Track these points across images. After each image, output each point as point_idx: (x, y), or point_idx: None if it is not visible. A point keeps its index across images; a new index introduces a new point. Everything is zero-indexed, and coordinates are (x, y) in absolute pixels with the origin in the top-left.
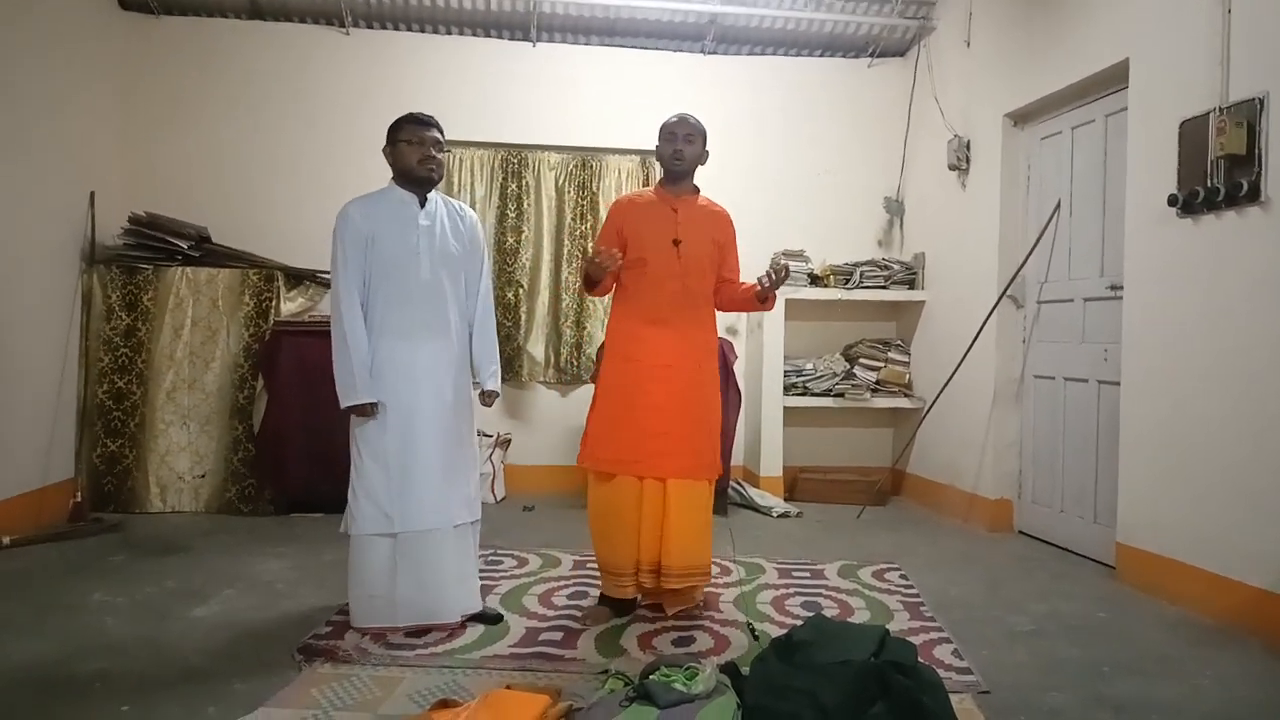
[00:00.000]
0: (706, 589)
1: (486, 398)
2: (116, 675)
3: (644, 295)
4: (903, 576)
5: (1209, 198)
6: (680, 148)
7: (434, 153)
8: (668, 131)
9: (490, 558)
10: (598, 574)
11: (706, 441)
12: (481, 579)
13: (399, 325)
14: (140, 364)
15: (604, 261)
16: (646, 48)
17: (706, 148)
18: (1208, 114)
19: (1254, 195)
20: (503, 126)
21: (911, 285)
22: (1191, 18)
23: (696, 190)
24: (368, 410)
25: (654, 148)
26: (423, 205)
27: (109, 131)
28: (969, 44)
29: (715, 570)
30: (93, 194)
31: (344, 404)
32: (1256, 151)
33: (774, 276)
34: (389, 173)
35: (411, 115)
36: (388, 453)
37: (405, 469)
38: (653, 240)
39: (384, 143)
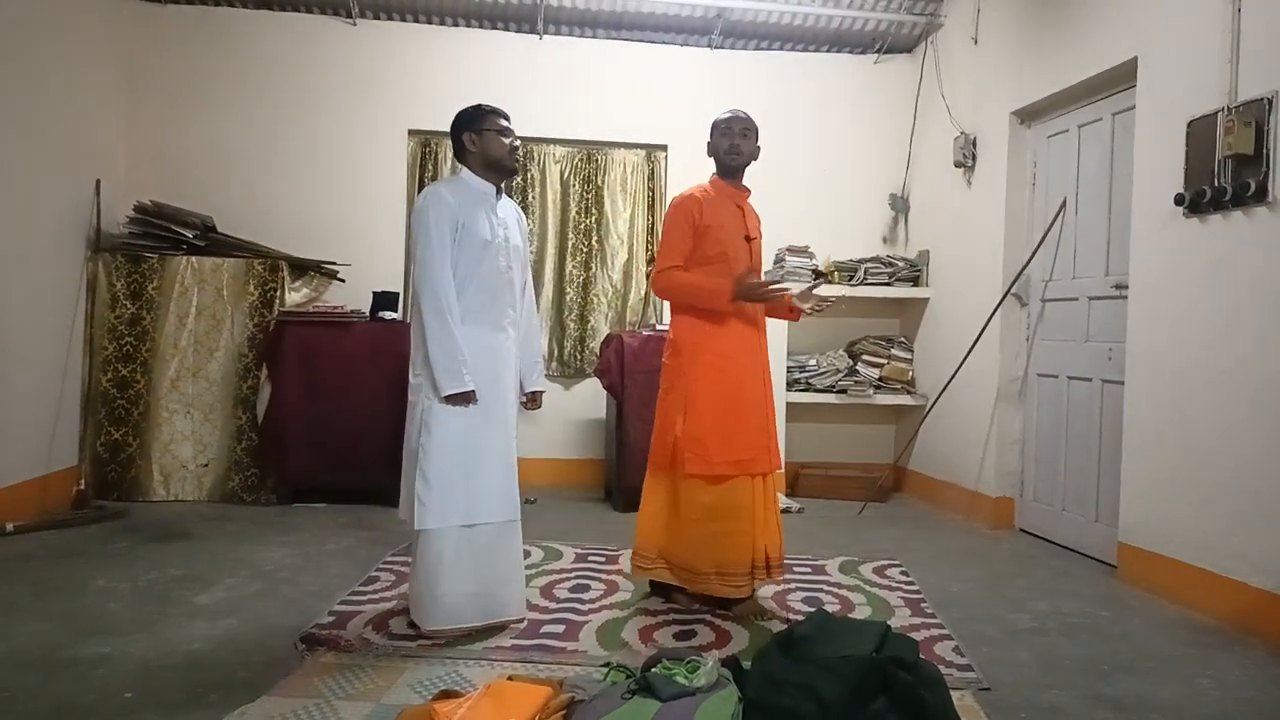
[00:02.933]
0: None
1: (536, 400)
2: (119, 660)
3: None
4: (904, 573)
5: (1216, 198)
6: (737, 142)
7: (518, 144)
8: (723, 127)
9: None
10: (600, 567)
11: None
12: None
13: (480, 314)
14: (144, 352)
15: (772, 294)
16: (653, 41)
17: (758, 143)
18: (1216, 113)
19: (1261, 195)
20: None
21: (915, 282)
22: (1201, 16)
23: (749, 190)
24: (470, 398)
25: (659, 144)
26: (498, 197)
27: (115, 119)
28: (976, 41)
29: None
30: (98, 182)
31: (448, 390)
32: (1264, 151)
33: (813, 306)
34: (395, 164)
35: (490, 106)
36: (474, 443)
37: (492, 459)
38: (730, 236)
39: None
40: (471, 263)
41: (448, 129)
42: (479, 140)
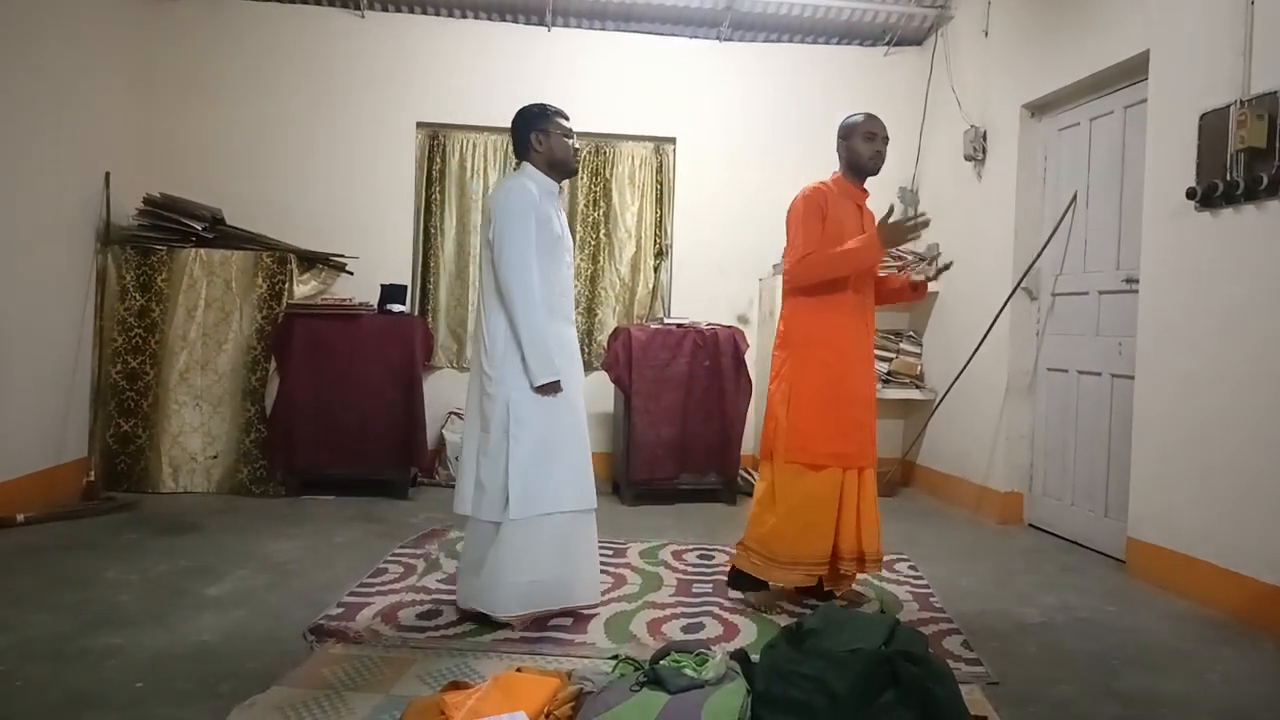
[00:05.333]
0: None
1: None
2: (130, 651)
3: (845, 288)
4: (912, 567)
5: (1228, 191)
6: (881, 149)
7: (578, 146)
8: (867, 131)
9: None
10: (607, 560)
11: None
12: None
13: (556, 308)
14: (154, 344)
15: (917, 229)
16: (662, 34)
17: None
18: (1228, 106)
19: (1274, 189)
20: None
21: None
22: (1213, 9)
23: (868, 193)
24: (558, 387)
25: (667, 136)
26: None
27: (125, 112)
28: (987, 33)
29: (724, 559)
30: (108, 174)
31: (543, 380)
32: (1277, 145)
33: (936, 270)
34: (403, 157)
35: (555, 108)
36: (557, 434)
37: (572, 449)
38: (849, 235)
39: (395, 125)
40: (548, 257)
41: (455, 121)
42: (545, 140)
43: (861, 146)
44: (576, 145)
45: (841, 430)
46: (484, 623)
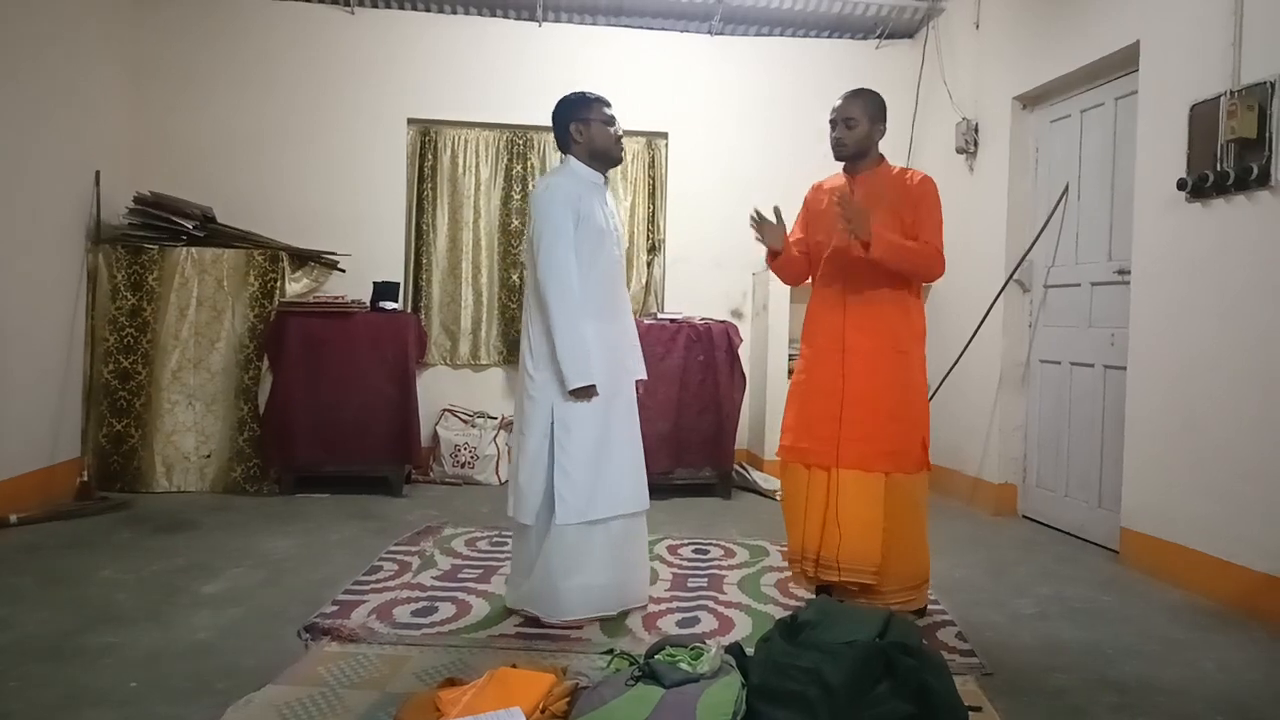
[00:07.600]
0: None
1: (640, 386)
2: (125, 649)
3: (826, 277)
4: None
5: (1219, 182)
6: (839, 135)
7: (622, 133)
8: (830, 121)
9: (494, 539)
10: None
11: (895, 429)
12: (489, 562)
13: (604, 306)
14: (146, 344)
15: (767, 238)
16: (653, 28)
17: (883, 124)
18: (1219, 97)
19: (1264, 179)
20: (508, 107)
21: None
22: (1203, 0)
23: (880, 159)
24: (593, 392)
25: (659, 131)
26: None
27: (115, 110)
28: (978, 26)
29: (719, 553)
30: (98, 173)
31: (576, 384)
32: (1267, 135)
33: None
34: (394, 154)
35: (597, 95)
36: (609, 437)
37: (625, 451)
38: (830, 222)
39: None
40: (592, 253)
41: (447, 117)
42: (586, 130)
43: (830, 136)
44: (620, 132)
45: (803, 425)
46: (539, 625)
